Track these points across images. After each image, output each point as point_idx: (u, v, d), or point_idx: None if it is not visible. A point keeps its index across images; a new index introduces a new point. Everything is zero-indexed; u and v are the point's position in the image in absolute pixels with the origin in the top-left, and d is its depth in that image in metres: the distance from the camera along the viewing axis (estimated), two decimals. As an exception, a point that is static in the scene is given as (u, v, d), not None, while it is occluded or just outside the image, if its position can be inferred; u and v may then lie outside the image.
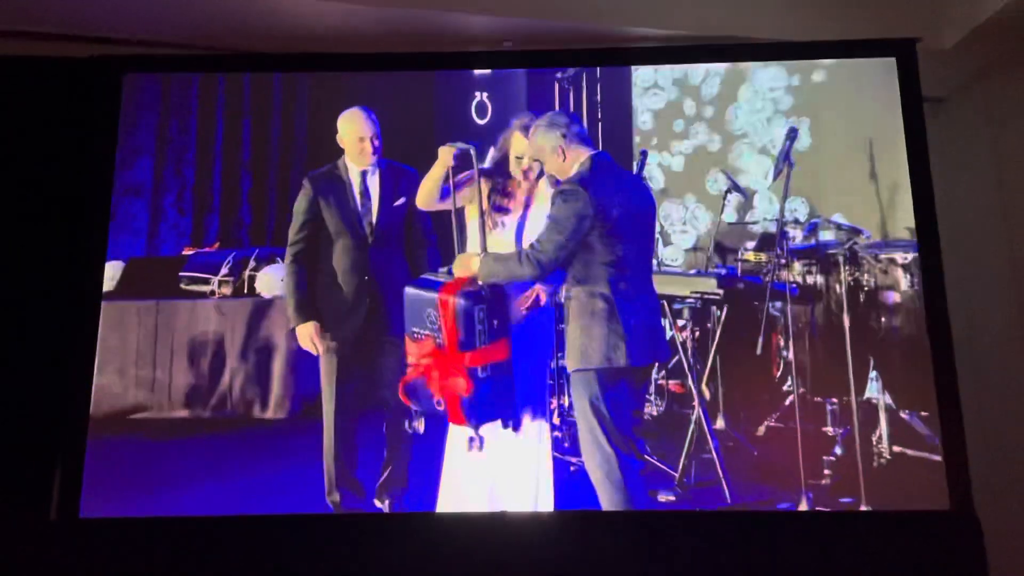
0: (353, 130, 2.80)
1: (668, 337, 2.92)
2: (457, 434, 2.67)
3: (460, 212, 2.63)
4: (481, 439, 2.54)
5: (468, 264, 2.52)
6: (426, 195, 2.66)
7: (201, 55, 3.29)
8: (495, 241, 2.62)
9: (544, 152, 2.55)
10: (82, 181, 3.00)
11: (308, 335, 2.77)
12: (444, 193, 2.62)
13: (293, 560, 2.74)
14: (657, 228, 2.87)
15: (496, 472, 2.64)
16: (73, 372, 2.89)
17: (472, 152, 2.61)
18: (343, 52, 3.26)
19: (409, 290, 2.57)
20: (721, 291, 2.99)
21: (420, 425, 2.63)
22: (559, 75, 3.23)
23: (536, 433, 2.63)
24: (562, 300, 2.56)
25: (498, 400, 2.53)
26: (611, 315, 2.43)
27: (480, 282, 2.50)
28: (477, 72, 3.21)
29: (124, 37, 3.25)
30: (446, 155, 2.60)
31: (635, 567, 2.75)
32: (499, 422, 2.55)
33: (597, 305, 2.43)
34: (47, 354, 2.90)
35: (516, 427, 2.57)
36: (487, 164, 2.70)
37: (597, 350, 2.43)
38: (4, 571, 2.72)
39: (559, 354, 2.75)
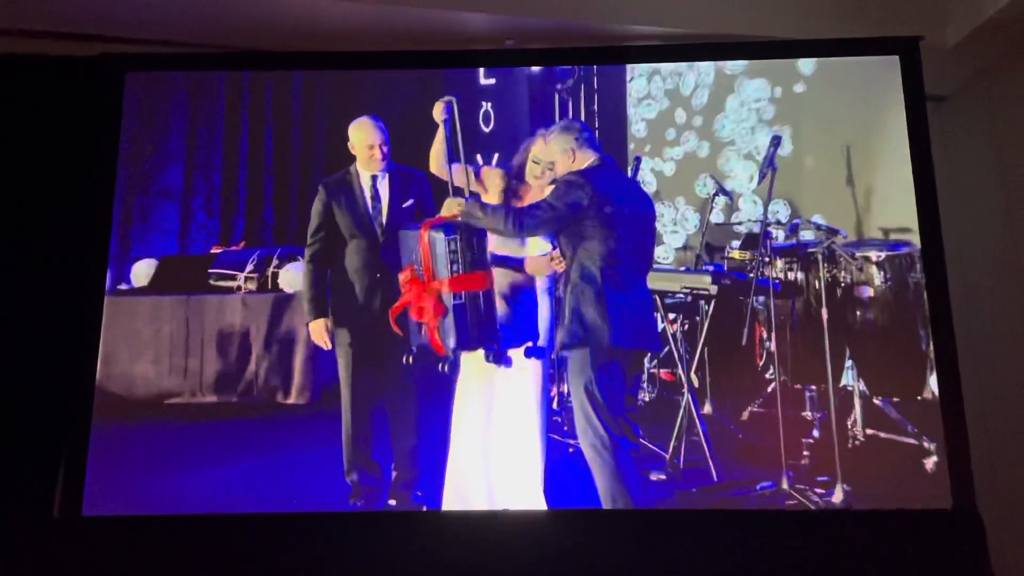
0: (363, 138, 2.94)
1: (660, 329, 3.03)
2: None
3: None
4: (450, 362, 2.65)
5: (454, 205, 2.69)
6: (435, 158, 2.85)
7: (202, 53, 3.33)
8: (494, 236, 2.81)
9: (556, 153, 2.75)
10: (85, 178, 3.00)
11: (319, 330, 2.93)
12: (451, 157, 2.81)
13: (295, 557, 2.76)
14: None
15: (493, 402, 2.75)
16: (76, 369, 2.91)
17: (453, 102, 2.80)
18: (344, 51, 3.27)
19: (401, 232, 2.76)
20: (715, 287, 3.10)
21: (414, 359, 2.73)
22: (559, 86, 3.40)
23: (529, 372, 2.74)
24: (560, 294, 2.75)
25: (476, 328, 2.61)
26: (598, 300, 2.61)
27: (460, 219, 2.65)
28: (483, 82, 3.38)
29: (132, 36, 3.25)
30: (438, 112, 2.81)
31: (635, 565, 2.78)
32: (481, 352, 2.64)
33: (587, 290, 2.62)
34: (51, 352, 2.93)
35: (499, 360, 2.66)
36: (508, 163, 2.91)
37: (582, 329, 2.61)
38: (7, 570, 2.72)
39: (560, 349, 2.92)
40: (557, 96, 3.40)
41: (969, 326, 3.24)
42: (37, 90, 3.15)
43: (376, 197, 2.96)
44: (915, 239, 3.03)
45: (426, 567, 2.76)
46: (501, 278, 2.73)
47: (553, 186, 2.75)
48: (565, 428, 3.16)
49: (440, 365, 2.66)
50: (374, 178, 2.97)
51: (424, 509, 2.90)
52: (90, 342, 2.95)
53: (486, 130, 3.35)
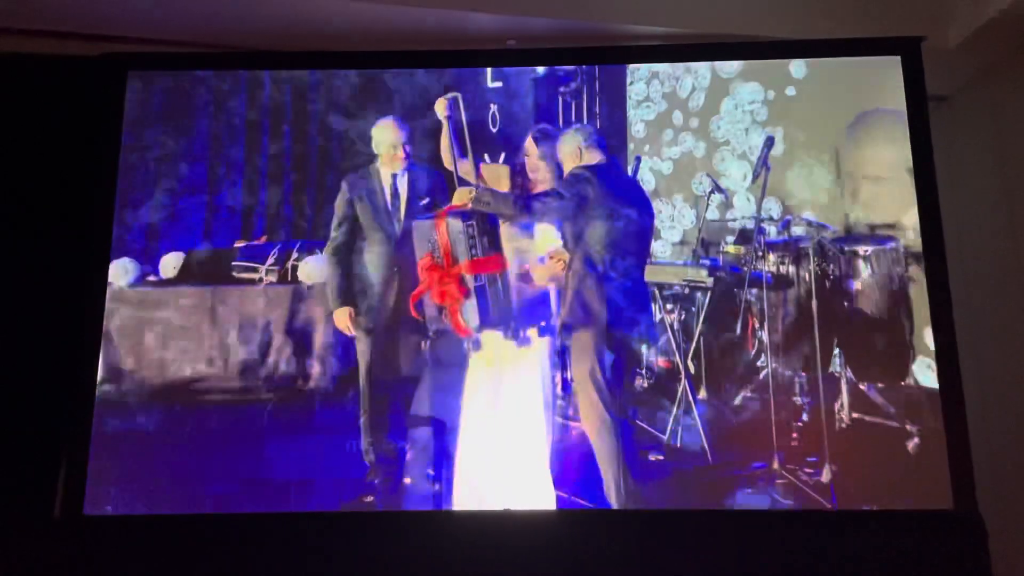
0: (387, 138, 3.15)
1: (658, 319, 3.21)
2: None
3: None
4: (476, 341, 2.85)
5: (464, 194, 2.89)
6: (445, 154, 3.03)
7: (205, 53, 3.45)
8: (504, 228, 2.99)
9: (565, 152, 2.96)
10: (88, 177, 3.08)
11: (343, 318, 3.14)
12: (459, 152, 2.99)
13: (299, 557, 2.82)
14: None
15: (502, 384, 2.93)
16: (78, 368, 2.97)
17: (458, 99, 2.98)
18: (345, 51, 3.38)
19: (416, 222, 2.95)
20: (711, 280, 3.24)
21: (432, 341, 2.94)
22: (562, 89, 3.54)
23: (541, 348, 2.92)
24: (565, 281, 2.93)
25: (496, 308, 2.82)
26: (599, 287, 2.81)
27: (471, 206, 2.85)
28: (490, 84, 3.51)
29: (136, 36, 3.34)
30: (440, 109, 3.01)
31: (635, 565, 2.84)
32: (499, 332, 2.84)
33: (588, 277, 2.82)
34: (52, 350, 2.98)
35: (516, 338, 2.86)
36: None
37: (584, 312, 2.81)
38: (7, 570, 2.72)
39: (563, 334, 3.05)
40: (561, 99, 3.53)
41: (970, 326, 3.28)
42: (39, 89, 3.22)
43: (395, 194, 3.16)
44: (900, 235, 3.18)
45: (429, 566, 2.84)
46: (514, 274, 2.92)
47: (559, 178, 2.96)
48: (569, 411, 3.31)
49: (466, 344, 2.85)
50: (394, 176, 3.17)
51: (437, 487, 3.05)
52: (91, 340, 3.03)
53: (493, 130, 3.47)
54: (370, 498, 3.05)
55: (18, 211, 3.12)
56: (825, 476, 3.01)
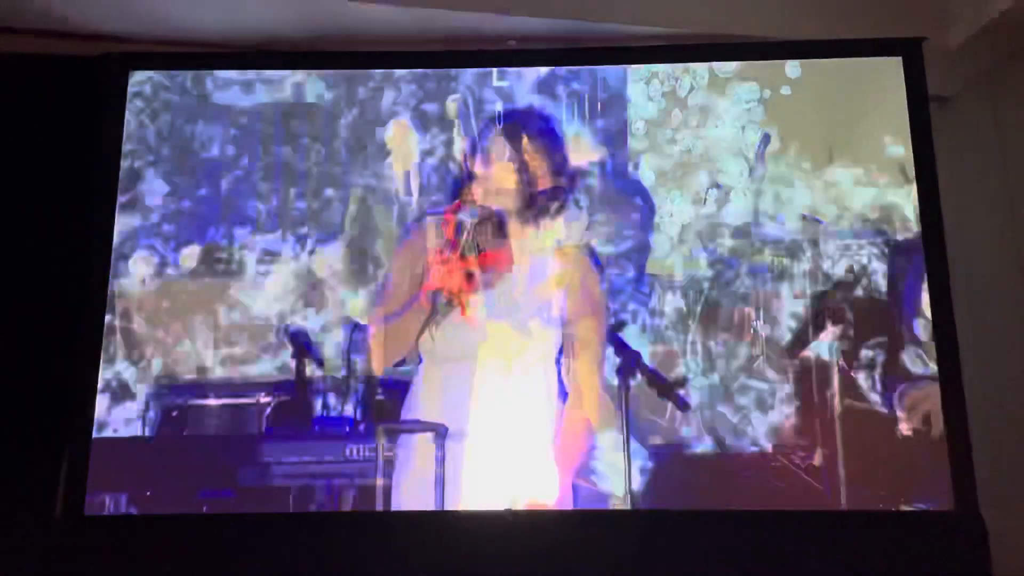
0: (400, 136, 3.31)
1: (658, 311, 3.28)
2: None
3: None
4: (484, 333, 2.99)
5: (475, 190, 3.04)
6: (454, 152, 3.17)
7: (207, 52, 3.47)
8: (512, 223, 3.12)
9: (569, 149, 3.11)
10: (89, 177, 3.10)
11: (357, 308, 3.24)
12: (467, 149, 3.13)
13: (298, 557, 2.82)
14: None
15: (509, 375, 3.04)
16: (79, 366, 2.97)
17: (466, 100, 3.13)
18: (345, 51, 3.45)
19: (427, 217, 3.12)
20: (709, 272, 3.33)
21: (440, 333, 3.05)
22: (564, 89, 3.62)
23: (546, 340, 3.04)
24: (568, 275, 3.06)
25: (503, 302, 2.99)
26: (602, 279, 2.95)
27: (479, 202, 3.00)
28: (495, 83, 3.59)
29: (142, 36, 3.39)
30: (451, 110, 3.14)
31: (635, 565, 2.85)
32: (507, 324, 2.98)
33: (591, 269, 2.97)
34: (53, 348, 3.00)
35: (522, 330, 2.98)
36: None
37: (588, 304, 2.96)
38: (7, 570, 2.70)
39: (566, 325, 3.17)
40: (563, 98, 3.61)
41: (972, 327, 3.31)
42: (39, 89, 3.24)
43: (407, 190, 3.29)
44: (896, 230, 3.30)
45: (429, 566, 2.84)
46: (521, 268, 3.05)
47: (562, 175, 3.09)
48: (573, 400, 3.40)
49: (474, 336, 2.99)
50: (407, 173, 3.31)
51: (441, 473, 3.12)
52: (93, 340, 3.03)
53: (499, 128, 3.56)
54: (377, 482, 3.11)
55: (18, 211, 3.13)
56: (817, 460, 3.11)
